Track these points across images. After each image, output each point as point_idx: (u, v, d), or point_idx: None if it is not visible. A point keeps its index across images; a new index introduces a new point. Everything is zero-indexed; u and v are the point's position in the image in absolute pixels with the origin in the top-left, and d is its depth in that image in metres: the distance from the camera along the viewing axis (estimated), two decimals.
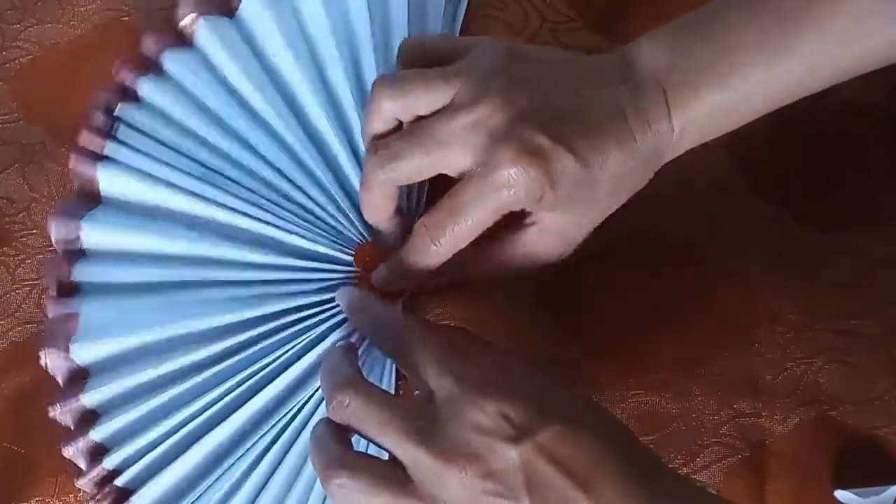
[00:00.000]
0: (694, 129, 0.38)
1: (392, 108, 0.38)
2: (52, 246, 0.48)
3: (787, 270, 0.45)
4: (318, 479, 0.41)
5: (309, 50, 0.47)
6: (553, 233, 0.39)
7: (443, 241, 0.38)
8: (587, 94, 0.37)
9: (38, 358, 0.45)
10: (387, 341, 0.38)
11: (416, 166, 0.38)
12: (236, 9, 0.48)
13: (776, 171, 0.46)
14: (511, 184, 0.36)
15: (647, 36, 0.39)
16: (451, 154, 0.37)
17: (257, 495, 0.43)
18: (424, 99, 0.38)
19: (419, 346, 0.35)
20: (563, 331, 0.45)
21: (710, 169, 0.46)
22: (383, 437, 0.33)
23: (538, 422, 0.32)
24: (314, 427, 0.35)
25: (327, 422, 0.35)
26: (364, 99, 0.46)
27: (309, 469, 0.43)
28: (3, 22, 0.52)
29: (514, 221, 0.39)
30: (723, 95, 0.37)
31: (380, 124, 0.39)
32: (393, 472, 0.32)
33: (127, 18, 0.52)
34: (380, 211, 0.41)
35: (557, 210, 0.38)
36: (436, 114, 0.38)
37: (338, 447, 0.34)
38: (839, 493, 0.41)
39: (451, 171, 0.38)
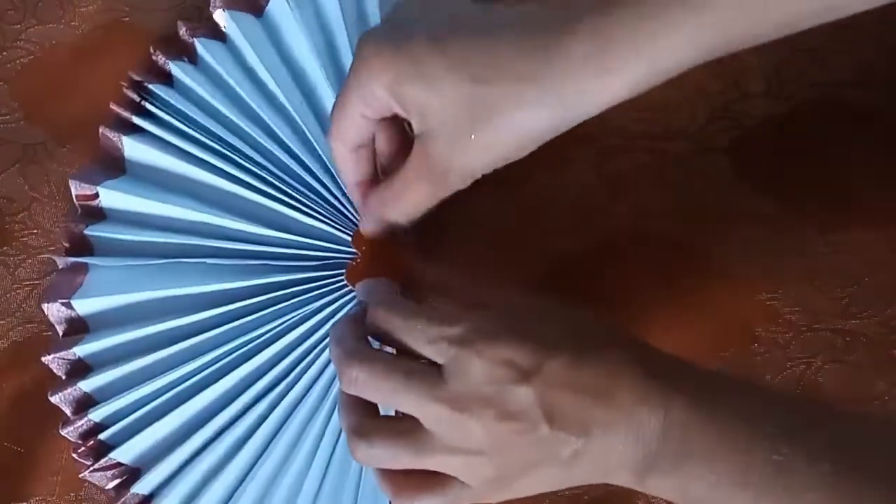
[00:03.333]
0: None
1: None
2: (52, 246, 0.48)
3: (787, 270, 0.45)
4: (315, 454, 0.44)
5: (329, 49, 0.49)
6: None
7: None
8: None
9: (39, 357, 0.46)
10: (384, 337, 0.38)
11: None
12: (264, 8, 0.49)
13: (776, 171, 0.46)
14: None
15: None
16: None
17: (252, 466, 0.44)
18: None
19: (411, 326, 0.35)
20: None
21: (710, 169, 0.46)
22: (398, 402, 0.33)
23: (542, 356, 0.32)
24: (339, 395, 0.36)
25: (346, 394, 0.35)
26: None
27: (306, 446, 0.44)
28: (4, 22, 0.52)
29: None
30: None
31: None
32: (409, 429, 0.33)
33: (127, 18, 0.52)
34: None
35: None
36: None
37: (355, 416, 0.35)
38: None
39: None
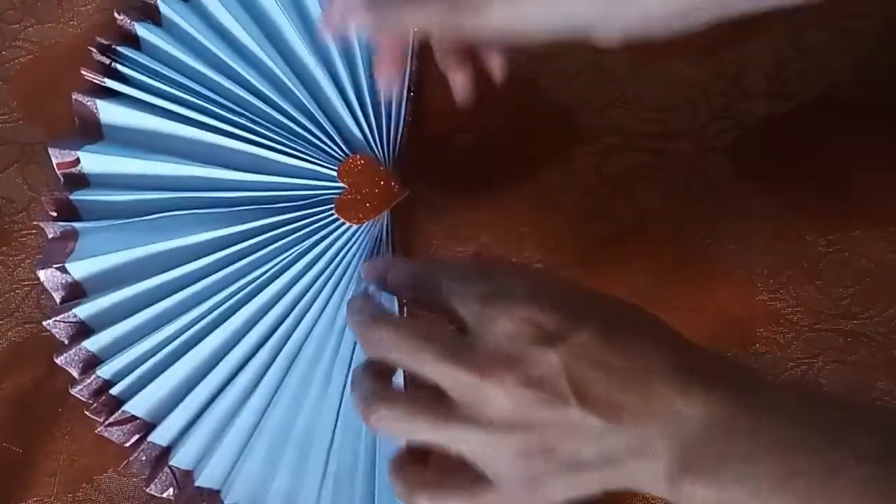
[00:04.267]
0: None
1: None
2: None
3: (787, 270, 0.45)
4: (328, 388, 0.44)
5: None
6: None
7: None
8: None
9: (38, 358, 0.46)
10: (410, 289, 0.36)
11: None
12: None
13: (776, 171, 0.46)
14: None
15: None
16: None
17: (265, 408, 0.45)
18: None
19: (442, 280, 0.33)
20: None
21: (710, 169, 0.46)
22: (419, 364, 0.31)
23: (571, 324, 0.30)
24: (354, 369, 0.34)
25: (365, 362, 0.34)
26: None
27: (317, 380, 0.44)
28: (3, 22, 0.52)
29: None
30: None
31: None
32: (430, 397, 0.31)
33: None
34: None
35: None
36: None
37: (373, 382, 0.33)
38: None
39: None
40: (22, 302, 0.48)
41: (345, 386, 0.44)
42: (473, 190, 0.47)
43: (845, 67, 0.47)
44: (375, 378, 0.33)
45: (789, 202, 0.46)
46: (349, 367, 0.44)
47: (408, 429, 0.32)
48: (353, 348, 0.45)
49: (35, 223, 0.48)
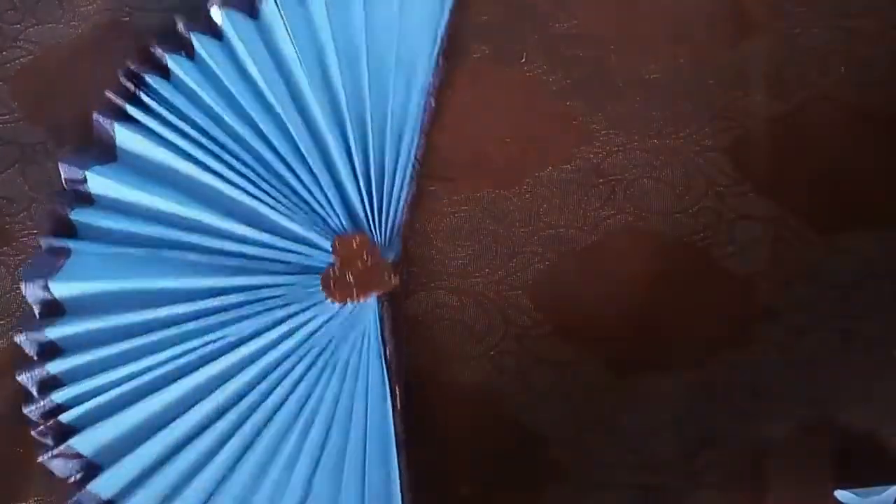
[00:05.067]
0: None
1: None
2: None
3: (787, 270, 0.45)
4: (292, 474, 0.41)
5: (316, 54, 0.49)
6: None
7: None
8: None
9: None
10: None
11: None
12: (259, 9, 0.50)
13: (776, 171, 0.46)
14: None
15: None
16: None
17: (223, 478, 0.43)
18: None
19: None
20: (560, 332, 0.45)
21: (710, 169, 0.46)
22: None
23: None
24: None
25: None
26: (358, 97, 0.49)
27: (279, 464, 0.43)
28: (4, 22, 0.52)
29: None
30: None
31: None
32: None
33: (126, 18, 0.52)
34: None
35: None
36: None
37: None
38: (839, 493, 0.40)
39: None
40: (23, 302, 0.48)
41: (313, 475, 0.42)
42: (474, 190, 0.47)
43: (845, 67, 0.47)
44: None
45: (789, 202, 0.46)
46: (318, 459, 0.42)
47: None
48: (325, 439, 0.43)
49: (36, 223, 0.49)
